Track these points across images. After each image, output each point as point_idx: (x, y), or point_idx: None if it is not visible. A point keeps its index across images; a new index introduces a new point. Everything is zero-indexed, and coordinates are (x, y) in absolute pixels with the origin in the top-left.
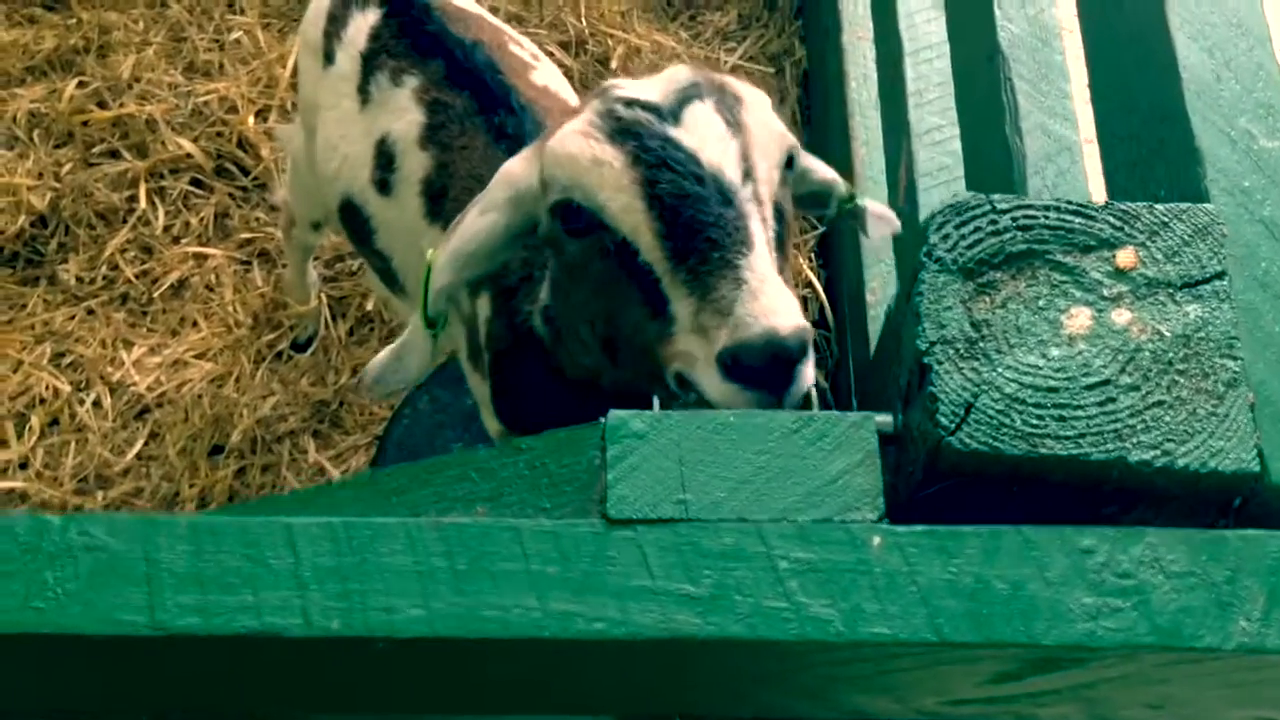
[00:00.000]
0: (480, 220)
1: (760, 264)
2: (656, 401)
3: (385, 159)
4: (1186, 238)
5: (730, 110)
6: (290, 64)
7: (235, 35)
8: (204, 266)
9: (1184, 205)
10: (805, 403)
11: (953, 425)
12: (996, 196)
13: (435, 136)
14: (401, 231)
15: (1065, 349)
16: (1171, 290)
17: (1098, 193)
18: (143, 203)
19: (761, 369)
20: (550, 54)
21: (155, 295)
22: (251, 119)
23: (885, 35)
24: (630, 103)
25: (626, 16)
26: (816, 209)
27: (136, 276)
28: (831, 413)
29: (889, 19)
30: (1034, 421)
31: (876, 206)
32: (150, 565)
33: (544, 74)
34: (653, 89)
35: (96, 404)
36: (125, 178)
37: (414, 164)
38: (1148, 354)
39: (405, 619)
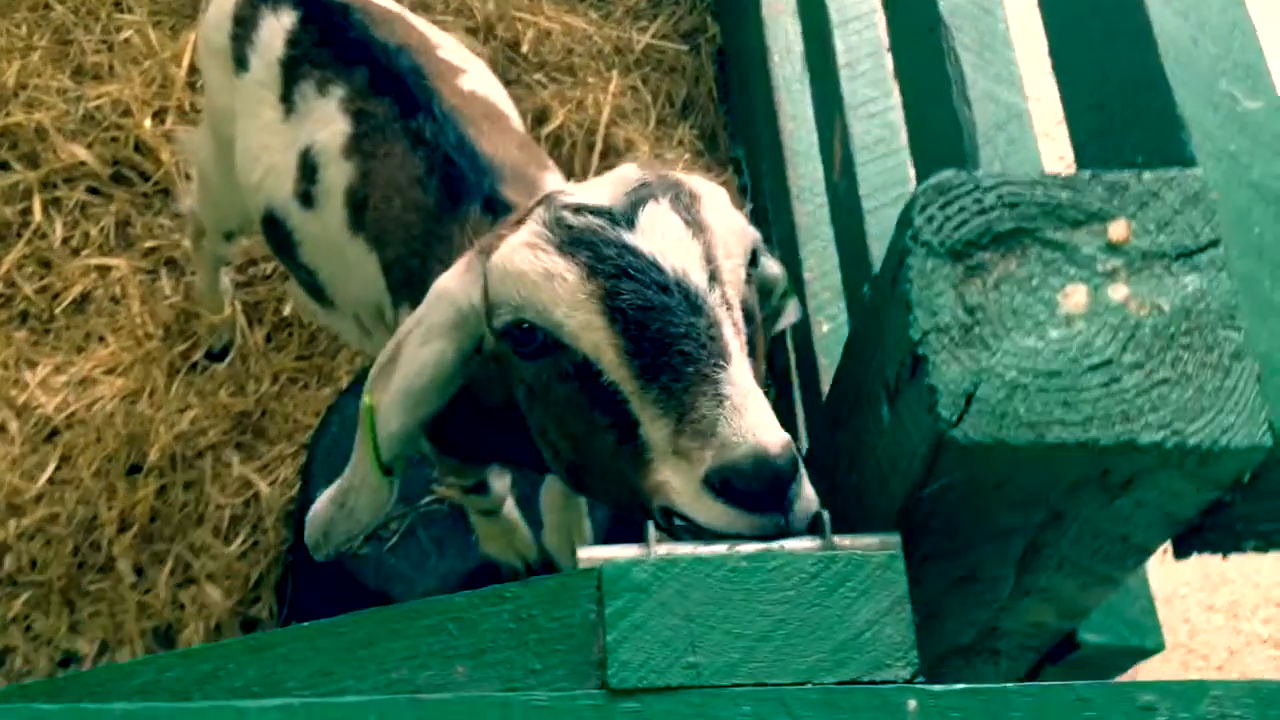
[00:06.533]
0: (424, 351)
1: (740, 376)
2: (651, 532)
3: (308, 170)
4: (1178, 206)
5: (687, 209)
6: (185, 63)
7: (125, 35)
8: (108, 278)
9: (1171, 172)
10: (814, 524)
11: (954, 417)
12: (980, 173)
13: (359, 145)
14: (326, 244)
15: (1064, 329)
16: (1167, 262)
17: (1048, 160)
18: (38, 215)
19: (754, 493)
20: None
21: (57, 311)
22: (148, 121)
23: (809, 7)
24: (579, 209)
25: None
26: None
27: (36, 293)
28: (852, 551)
29: None
30: (1039, 408)
31: (794, 305)
32: None
33: (473, 79)
34: (601, 192)
35: (2, 429)
36: (17, 190)
37: (337, 174)
38: (1148, 330)
39: None
